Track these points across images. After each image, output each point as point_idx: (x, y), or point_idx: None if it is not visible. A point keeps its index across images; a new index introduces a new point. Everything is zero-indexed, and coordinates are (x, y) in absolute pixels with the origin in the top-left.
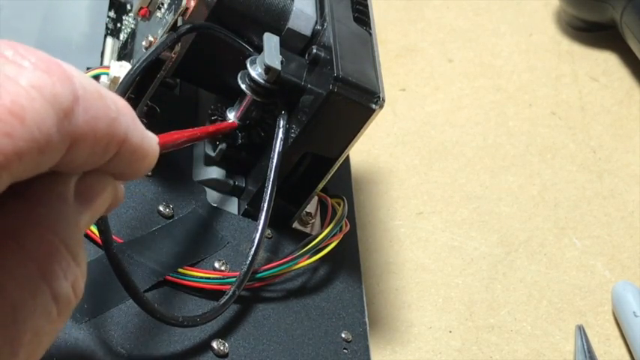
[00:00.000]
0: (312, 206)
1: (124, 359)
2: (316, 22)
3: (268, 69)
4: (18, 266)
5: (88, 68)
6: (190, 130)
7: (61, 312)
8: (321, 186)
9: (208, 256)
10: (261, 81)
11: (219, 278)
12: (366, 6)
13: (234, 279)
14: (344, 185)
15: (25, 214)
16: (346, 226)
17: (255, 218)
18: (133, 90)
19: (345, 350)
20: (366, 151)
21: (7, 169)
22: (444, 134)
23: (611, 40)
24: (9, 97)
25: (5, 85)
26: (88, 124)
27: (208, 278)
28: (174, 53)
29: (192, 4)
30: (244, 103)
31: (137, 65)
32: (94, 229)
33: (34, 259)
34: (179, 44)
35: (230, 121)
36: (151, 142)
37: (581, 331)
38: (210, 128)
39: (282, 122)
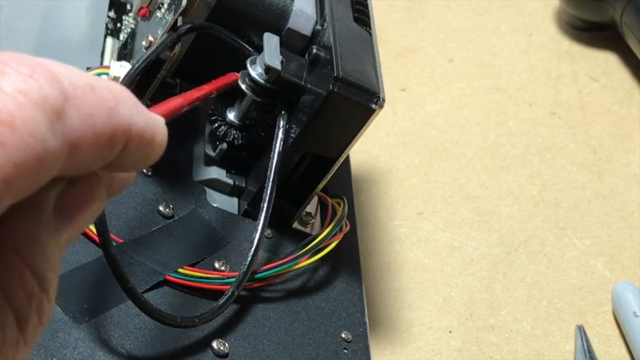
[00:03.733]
0: (312, 206)
1: (124, 359)
2: (316, 22)
3: (268, 69)
4: None
5: (88, 68)
6: (193, 90)
7: (27, 342)
8: (321, 186)
9: (208, 256)
10: (261, 81)
11: (219, 278)
12: (366, 6)
13: (233, 279)
14: (344, 185)
15: None
16: (346, 226)
17: (255, 218)
18: (132, 90)
19: (345, 350)
20: (366, 151)
21: (7, 185)
22: (444, 134)
23: (611, 40)
24: None
25: None
26: (85, 122)
27: (208, 278)
28: (174, 53)
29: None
30: (244, 103)
31: (137, 65)
32: (92, 228)
33: None
34: (179, 44)
35: (233, 74)
36: (157, 121)
37: (581, 331)
38: (213, 84)
39: (282, 122)
